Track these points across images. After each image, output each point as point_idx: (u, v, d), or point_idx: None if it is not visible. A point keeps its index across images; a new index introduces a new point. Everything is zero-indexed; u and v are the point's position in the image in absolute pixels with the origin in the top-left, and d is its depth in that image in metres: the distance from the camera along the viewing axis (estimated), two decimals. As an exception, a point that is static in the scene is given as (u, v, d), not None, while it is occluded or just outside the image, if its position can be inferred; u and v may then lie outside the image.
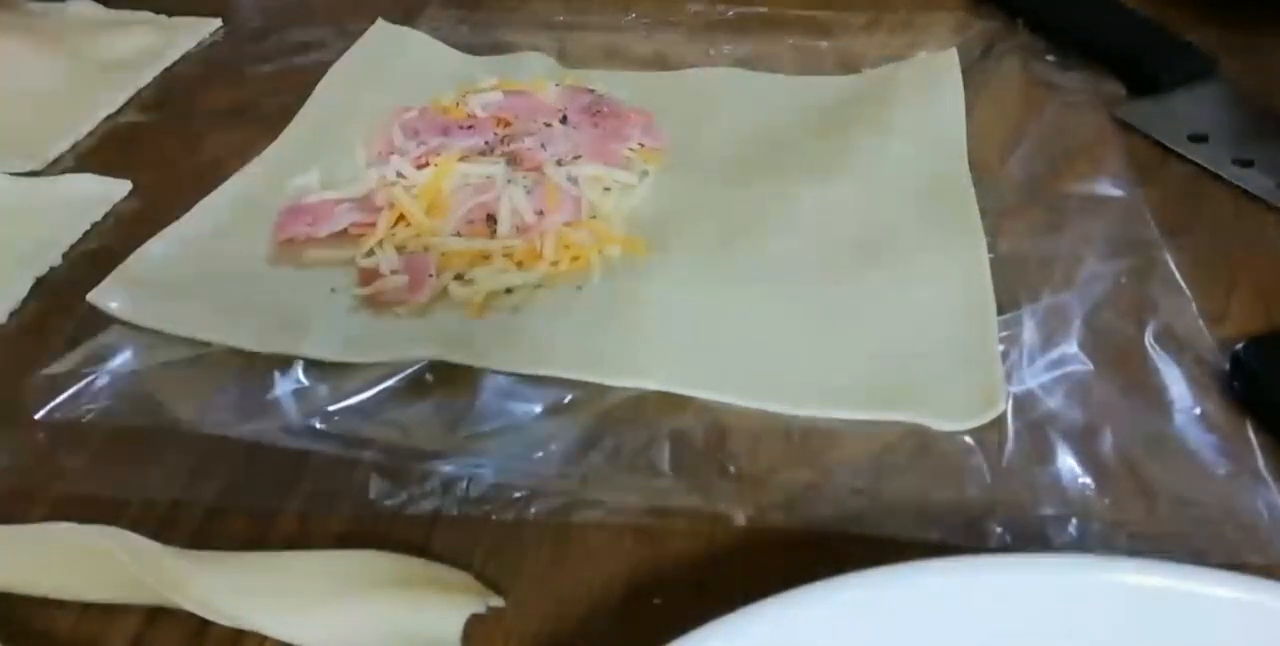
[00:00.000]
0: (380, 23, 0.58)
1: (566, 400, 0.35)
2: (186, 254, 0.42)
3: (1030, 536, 0.31)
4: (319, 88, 0.53)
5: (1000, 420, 0.34)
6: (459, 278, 0.40)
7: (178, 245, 0.42)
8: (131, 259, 0.41)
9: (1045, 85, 0.52)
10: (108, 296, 0.40)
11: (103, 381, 0.36)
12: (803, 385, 0.36)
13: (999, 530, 0.31)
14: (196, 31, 0.60)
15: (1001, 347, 0.36)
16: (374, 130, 0.48)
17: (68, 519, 0.30)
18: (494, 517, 0.32)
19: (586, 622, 0.29)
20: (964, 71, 0.53)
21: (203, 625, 0.28)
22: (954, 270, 0.40)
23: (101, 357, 0.37)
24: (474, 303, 0.39)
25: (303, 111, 0.51)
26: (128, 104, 0.54)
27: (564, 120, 0.47)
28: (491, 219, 0.42)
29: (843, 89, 0.53)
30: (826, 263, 0.41)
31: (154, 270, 0.41)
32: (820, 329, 0.38)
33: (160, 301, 0.40)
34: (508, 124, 0.47)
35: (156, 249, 0.42)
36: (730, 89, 0.53)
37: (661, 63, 0.56)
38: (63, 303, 0.40)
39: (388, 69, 0.55)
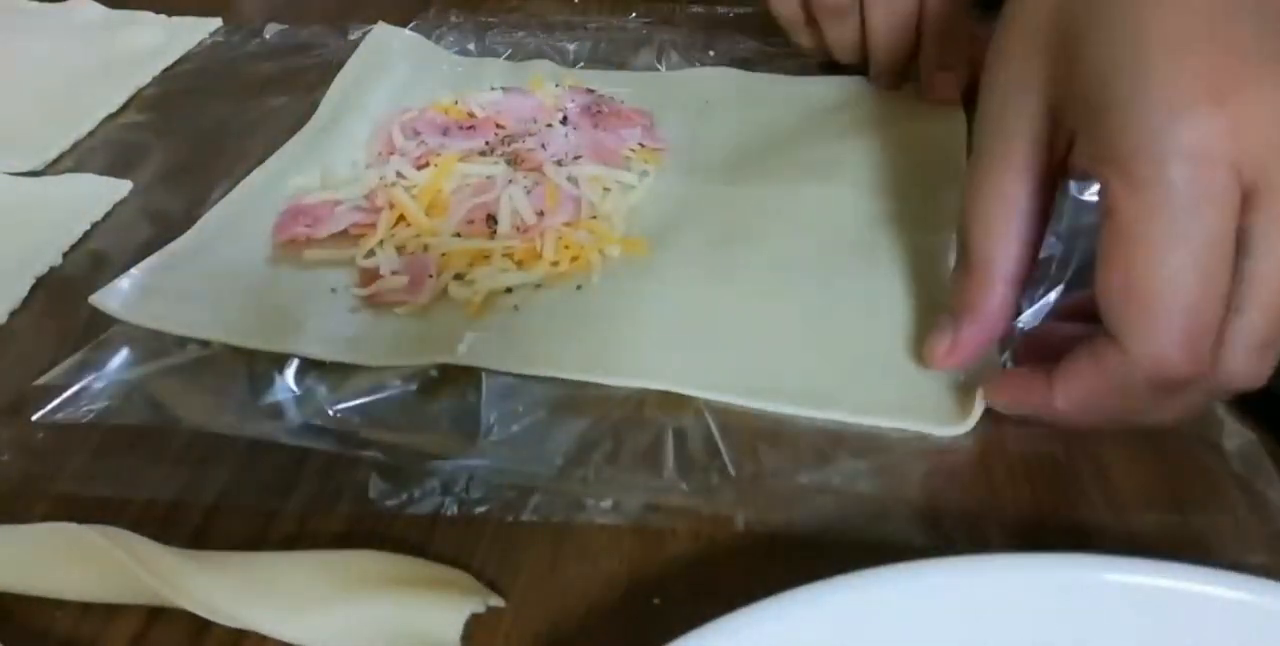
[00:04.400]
0: (380, 25, 0.58)
1: (567, 400, 0.35)
2: (187, 255, 0.42)
3: (1030, 538, 0.31)
4: (326, 97, 0.53)
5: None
6: (459, 278, 0.40)
7: (178, 247, 0.42)
8: (135, 269, 0.41)
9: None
10: (108, 297, 0.40)
11: (103, 382, 0.36)
12: (802, 386, 0.36)
13: (998, 532, 0.31)
14: (196, 31, 0.60)
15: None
16: (374, 130, 0.48)
17: (68, 519, 0.30)
18: (494, 517, 0.32)
19: (586, 622, 0.29)
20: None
21: (203, 625, 0.28)
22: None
23: (101, 358, 0.37)
24: (474, 302, 0.39)
25: (311, 121, 0.51)
26: (128, 104, 0.54)
27: (564, 120, 0.47)
28: (491, 219, 0.42)
29: (842, 89, 0.53)
30: (826, 263, 0.41)
31: (154, 271, 0.41)
32: (820, 329, 0.38)
33: (160, 302, 0.40)
34: (507, 124, 0.47)
35: (159, 255, 0.42)
36: (730, 89, 0.53)
37: (662, 63, 0.56)
38: (63, 303, 0.40)
39: (388, 70, 0.55)
